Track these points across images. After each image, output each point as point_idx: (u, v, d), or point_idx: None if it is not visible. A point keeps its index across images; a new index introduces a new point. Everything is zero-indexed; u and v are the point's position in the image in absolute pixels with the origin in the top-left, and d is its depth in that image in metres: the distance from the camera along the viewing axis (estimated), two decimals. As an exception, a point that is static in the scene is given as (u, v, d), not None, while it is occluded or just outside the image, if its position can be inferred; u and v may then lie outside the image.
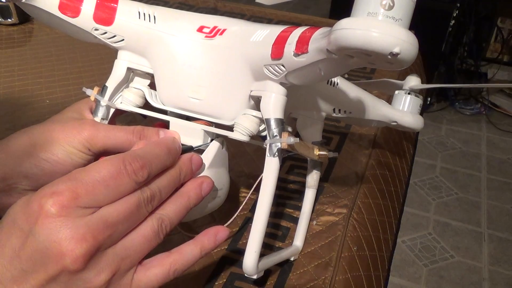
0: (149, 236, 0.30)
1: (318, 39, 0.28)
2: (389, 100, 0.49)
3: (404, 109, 0.46)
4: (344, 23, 0.25)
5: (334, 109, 0.45)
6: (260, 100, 0.35)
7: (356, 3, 0.26)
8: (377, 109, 0.46)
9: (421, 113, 0.47)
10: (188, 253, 0.33)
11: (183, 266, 0.32)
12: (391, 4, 0.25)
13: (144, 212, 0.30)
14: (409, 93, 0.46)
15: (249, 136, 0.36)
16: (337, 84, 0.43)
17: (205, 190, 0.34)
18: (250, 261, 0.34)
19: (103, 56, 0.79)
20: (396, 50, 0.24)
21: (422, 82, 0.49)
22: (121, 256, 0.29)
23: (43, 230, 0.26)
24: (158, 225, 0.31)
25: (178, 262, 0.32)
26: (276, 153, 0.34)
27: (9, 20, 0.87)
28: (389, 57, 0.25)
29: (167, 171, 0.32)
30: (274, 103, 0.34)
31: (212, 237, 0.34)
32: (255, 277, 0.35)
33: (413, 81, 0.46)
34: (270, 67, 0.32)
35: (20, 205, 0.28)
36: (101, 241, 0.27)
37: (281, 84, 0.34)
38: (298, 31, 0.31)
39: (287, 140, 0.33)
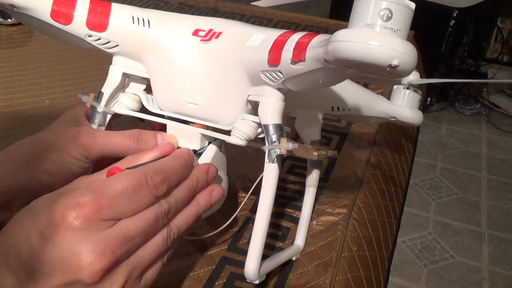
0: (159, 244, 0.31)
1: (316, 47, 0.28)
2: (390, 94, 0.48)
3: (403, 104, 0.45)
4: (341, 34, 0.25)
5: (332, 107, 0.45)
6: (257, 104, 0.34)
7: (353, 14, 0.25)
8: (375, 106, 0.46)
9: (421, 111, 0.47)
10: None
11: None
12: (389, 15, 0.24)
13: (160, 226, 0.31)
14: (408, 88, 0.46)
15: (247, 140, 0.36)
16: None
17: (215, 197, 0.35)
18: (252, 267, 0.34)
19: (103, 56, 0.78)
20: (395, 62, 0.24)
21: (422, 82, 0.48)
22: (134, 265, 0.29)
23: (64, 241, 0.26)
24: (167, 232, 0.32)
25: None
26: (275, 159, 0.34)
27: (9, 20, 0.87)
28: (388, 69, 0.24)
29: (183, 182, 0.33)
30: (272, 108, 0.34)
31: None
32: (257, 282, 0.35)
33: (411, 75, 0.46)
34: (267, 73, 0.32)
35: (44, 208, 0.28)
36: (119, 256, 0.28)
37: (279, 89, 0.33)
38: (295, 37, 0.30)
39: (286, 146, 0.33)
